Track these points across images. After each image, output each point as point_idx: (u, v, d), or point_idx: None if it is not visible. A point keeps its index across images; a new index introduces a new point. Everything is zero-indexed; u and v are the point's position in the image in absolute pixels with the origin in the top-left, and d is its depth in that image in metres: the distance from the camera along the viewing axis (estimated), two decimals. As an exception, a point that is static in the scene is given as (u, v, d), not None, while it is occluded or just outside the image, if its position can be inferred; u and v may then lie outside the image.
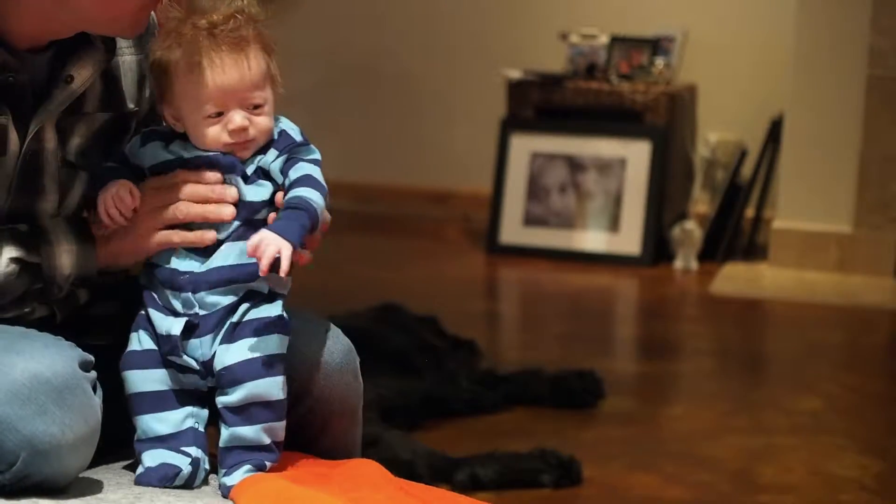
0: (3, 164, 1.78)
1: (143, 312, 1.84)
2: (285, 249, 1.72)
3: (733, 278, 5.01)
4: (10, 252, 1.78)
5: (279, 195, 1.82)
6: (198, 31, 1.79)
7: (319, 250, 1.90)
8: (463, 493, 2.35)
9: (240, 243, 1.79)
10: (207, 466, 1.83)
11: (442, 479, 2.88)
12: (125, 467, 1.86)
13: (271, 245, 1.72)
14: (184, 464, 1.79)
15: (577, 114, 5.42)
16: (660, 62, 5.41)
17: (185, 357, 1.80)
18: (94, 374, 1.73)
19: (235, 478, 1.79)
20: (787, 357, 4.22)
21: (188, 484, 1.80)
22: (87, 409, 1.69)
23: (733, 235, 5.29)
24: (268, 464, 1.81)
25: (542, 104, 5.45)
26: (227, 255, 1.81)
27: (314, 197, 1.79)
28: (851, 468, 3.13)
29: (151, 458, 1.80)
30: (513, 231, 5.39)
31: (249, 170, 1.83)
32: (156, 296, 1.82)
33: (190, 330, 1.80)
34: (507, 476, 2.94)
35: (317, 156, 1.84)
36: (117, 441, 1.85)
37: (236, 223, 1.81)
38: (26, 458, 1.65)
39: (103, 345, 1.87)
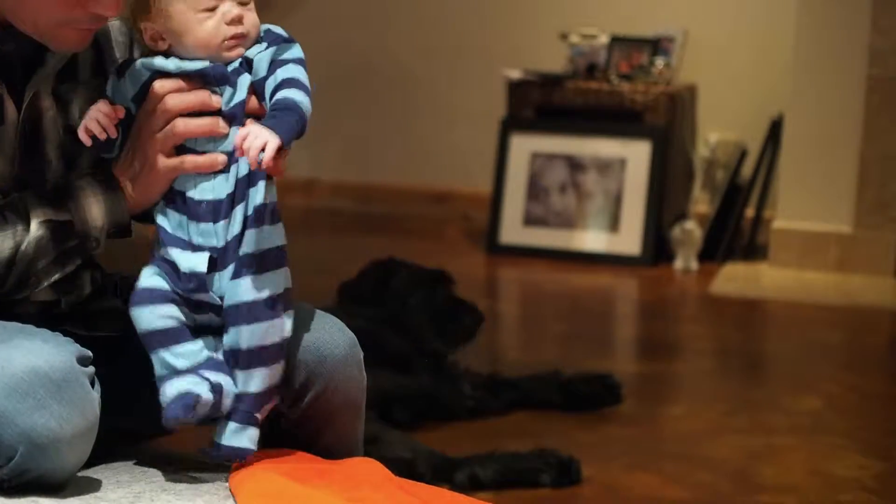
0: (3, 134, 1.79)
1: (159, 251, 1.82)
2: (272, 142, 1.70)
3: (733, 278, 5.01)
4: (39, 216, 1.77)
5: (253, 99, 1.79)
6: None
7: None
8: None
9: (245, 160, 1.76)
10: (233, 389, 1.78)
11: (442, 480, 2.88)
12: (124, 466, 1.87)
13: (259, 137, 1.70)
14: (203, 390, 1.75)
15: (577, 114, 5.42)
16: (660, 62, 5.41)
17: (210, 294, 1.79)
18: (92, 369, 1.73)
19: (242, 439, 1.78)
20: (787, 357, 4.22)
21: (213, 411, 1.76)
22: (86, 403, 1.69)
23: (733, 235, 5.29)
24: (259, 416, 1.79)
25: (542, 104, 5.45)
26: (228, 176, 1.79)
27: (303, 100, 1.76)
28: (851, 468, 3.13)
29: (171, 388, 1.77)
30: (513, 231, 5.39)
31: (231, 67, 1.80)
32: (172, 231, 1.81)
33: (212, 265, 1.79)
34: (506, 476, 2.94)
35: (301, 55, 1.81)
36: (118, 436, 1.85)
37: (232, 135, 1.78)
38: (24, 453, 1.65)
39: (105, 336, 1.87)
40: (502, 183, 5.44)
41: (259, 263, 1.78)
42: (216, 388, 1.77)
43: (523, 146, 5.45)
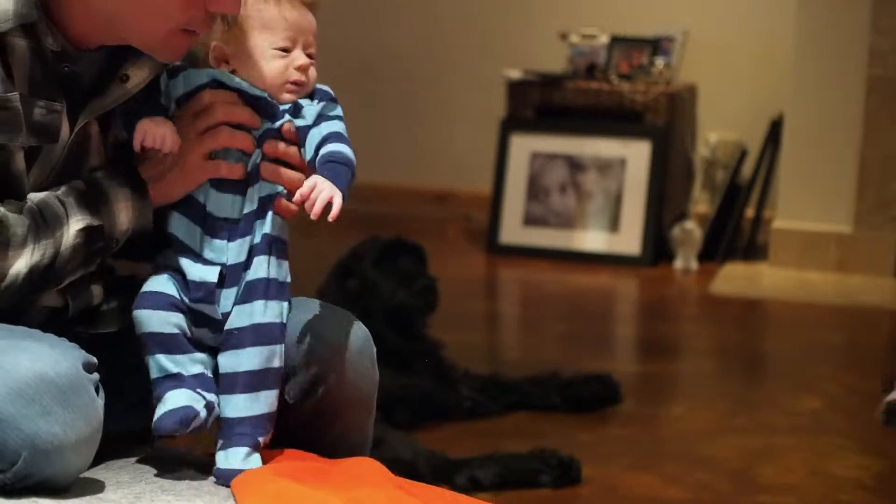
0: (51, 151, 1.80)
1: (166, 259, 1.84)
2: (337, 196, 1.77)
3: (733, 278, 5.01)
4: (78, 222, 1.78)
5: (288, 125, 1.87)
6: None
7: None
8: (463, 494, 2.35)
9: (266, 185, 1.84)
10: (219, 408, 1.82)
11: (442, 481, 2.88)
12: (125, 467, 1.87)
13: (325, 190, 1.76)
14: (200, 406, 1.78)
15: (577, 114, 5.42)
16: (660, 62, 5.41)
17: (215, 306, 1.81)
18: (97, 375, 1.73)
19: (234, 460, 1.79)
20: (787, 357, 4.22)
21: (201, 429, 1.79)
22: (90, 409, 1.69)
23: (733, 235, 5.29)
24: (261, 440, 1.81)
25: (542, 104, 5.45)
26: (256, 197, 1.84)
27: (352, 155, 1.84)
28: (851, 468, 3.13)
29: (172, 399, 1.79)
30: (513, 231, 5.39)
31: (281, 108, 1.88)
32: (183, 240, 1.84)
33: (221, 280, 1.82)
34: (506, 477, 2.94)
35: (341, 113, 1.89)
36: (118, 439, 1.85)
37: (256, 160, 1.85)
38: (28, 458, 1.65)
39: (107, 333, 1.88)
40: (502, 183, 5.44)
41: (265, 290, 1.82)
42: (209, 406, 1.80)
43: (523, 146, 5.45)
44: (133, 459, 1.88)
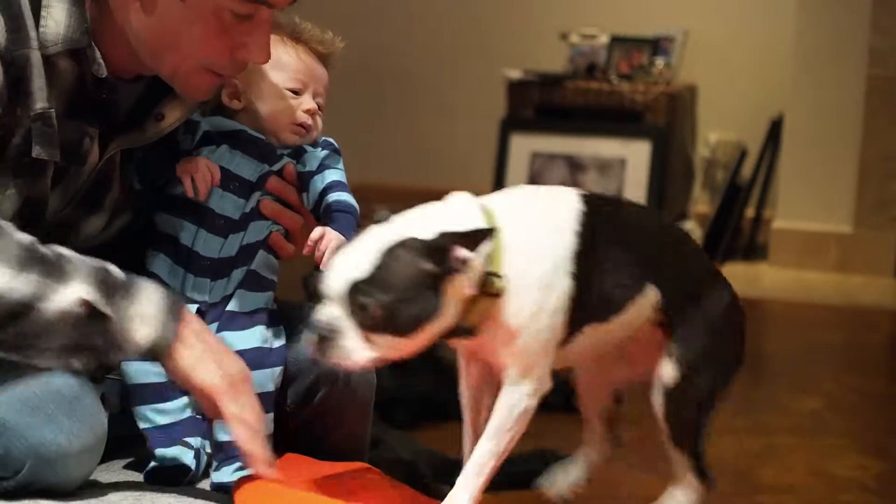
0: (77, 174, 1.79)
1: None
2: (338, 244, 1.80)
3: (733, 278, 4.94)
4: (82, 290, 1.59)
5: (290, 166, 1.90)
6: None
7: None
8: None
9: (256, 229, 1.87)
10: (209, 449, 1.85)
11: (442, 481, 2.88)
12: (125, 467, 1.87)
13: (334, 241, 1.81)
14: (189, 459, 1.81)
15: (577, 114, 5.42)
16: (660, 62, 5.41)
17: None
18: (102, 385, 1.74)
19: (224, 475, 1.81)
20: (787, 357, 4.22)
21: (192, 477, 1.82)
22: (95, 419, 1.69)
23: (733, 235, 5.29)
24: None
25: (542, 104, 5.45)
26: (237, 240, 1.87)
27: (354, 203, 1.89)
28: (851, 468, 3.13)
29: (163, 454, 1.82)
30: (513, 231, 5.39)
31: (280, 151, 1.91)
32: (168, 280, 1.85)
33: (201, 316, 1.82)
34: (506, 478, 2.93)
35: (342, 166, 1.95)
36: (118, 441, 1.85)
37: (252, 204, 1.88)
38: (32, 466, 1.65)
39: None
40: (502, 183, 5.44)
41: (246, 319, 1.85)
42: (197, 455, 1.83)
43: (523, 146, 5.45)
44: (134, 461, 1.88)
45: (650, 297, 1.79)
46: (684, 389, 1.85)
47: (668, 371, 1.85)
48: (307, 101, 1.92)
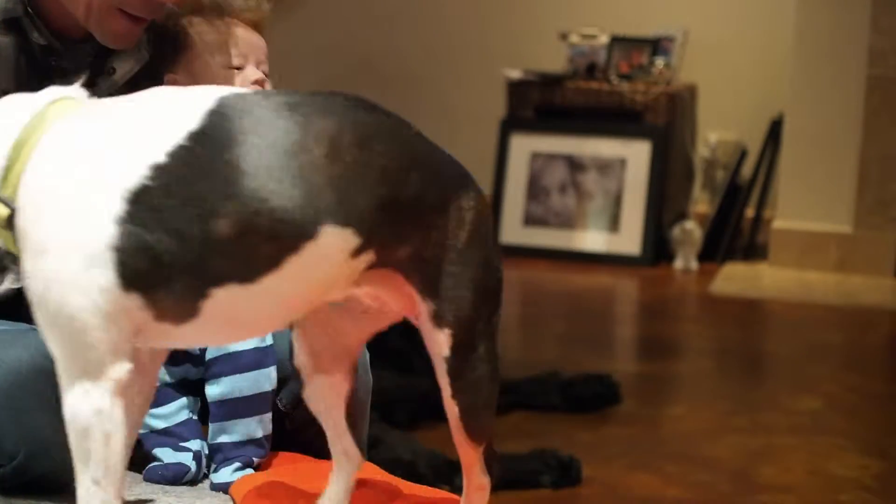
0: None
1: None
2: None
3: (733, 278, 5.01)
4: None
5: None
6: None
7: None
8: (463, 494, 2.35)
9: None
10: (206, 451, 1.85)
11: (443, 481, 2.88)
12: (127, 469, 1.86)
13: None
14: (189, 461, 1.82)
15: (577, 114, 5.42)
16: (660, 62, 5.41)
17: None
18: None
19: (224, 475, 1.81)
20: (787, 357, 4.22)
21: (192, 481, 1.83)
22: None
23: (733, 235, 5.29)
24: (255, 459, 1.82)
25: (542, 104, 5.45)
26: None
27: None
28: (851, 468, 3.13)
29: (161, 455, 1.83)
30: (513, 231, 5.39)
31: None
32: None
33: None
34: (506, 477, 2.94)
35: None
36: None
37: None
38: (27, 452, 1.65)
39: None
40: (502, 183, 5.44)
41: None
42: (196, 457, 1.83)
43: (523, 146, 5.45)
44: (134, 462, 1.88)
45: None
46: None
47: None
48: (252, 73, 1.87)
